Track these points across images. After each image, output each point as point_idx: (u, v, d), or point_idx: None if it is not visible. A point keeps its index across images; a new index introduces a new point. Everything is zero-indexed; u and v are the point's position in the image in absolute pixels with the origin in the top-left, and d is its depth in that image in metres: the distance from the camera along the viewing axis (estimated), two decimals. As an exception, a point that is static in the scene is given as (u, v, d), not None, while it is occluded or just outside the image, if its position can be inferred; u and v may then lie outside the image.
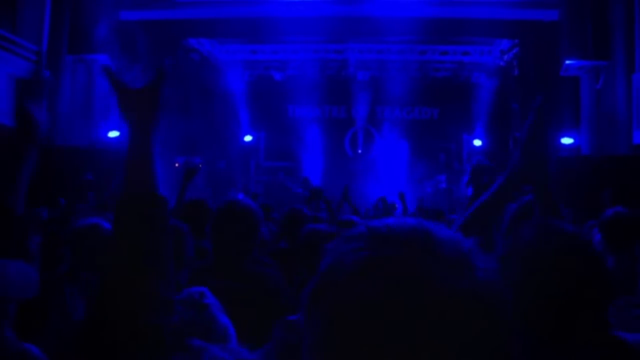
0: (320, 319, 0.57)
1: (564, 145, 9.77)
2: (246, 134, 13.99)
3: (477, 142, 13.31)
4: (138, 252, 1.01)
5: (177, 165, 11.74)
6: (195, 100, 12.77)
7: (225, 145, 13.41)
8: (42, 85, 1.04)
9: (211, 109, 13.22)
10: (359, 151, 14.59)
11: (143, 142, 1.10)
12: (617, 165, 8.17)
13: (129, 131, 1.16)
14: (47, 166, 8.33)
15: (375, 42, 12.96)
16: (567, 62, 9.05)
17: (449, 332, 0.53)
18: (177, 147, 11.82)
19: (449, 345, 0.53)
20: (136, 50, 10.04)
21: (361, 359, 0.53)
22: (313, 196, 5.08)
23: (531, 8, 10.25)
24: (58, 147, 8.92)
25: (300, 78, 13.96)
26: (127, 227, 1.03)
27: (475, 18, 10.74)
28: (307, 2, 11.19)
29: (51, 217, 6.36)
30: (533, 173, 1.43)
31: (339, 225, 3.45)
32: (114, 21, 9.91)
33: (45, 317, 1.59)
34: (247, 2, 11.24)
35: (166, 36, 11.02)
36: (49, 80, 8.93)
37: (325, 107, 14.70)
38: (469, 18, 10.80)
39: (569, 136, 9.94)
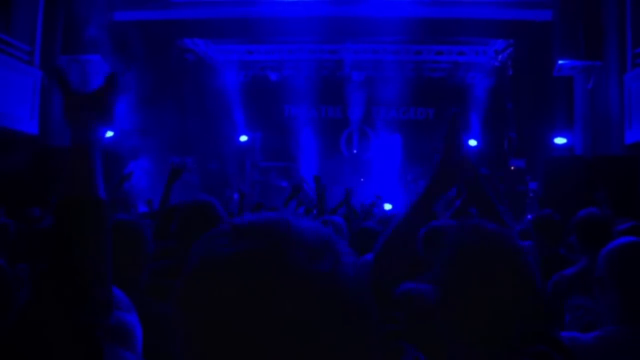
0: (190, 319, 0.58)
1: (557, 145, 9.76)
2: (242, 134, 14.00)
3: (473, 142, 13.30)
4: (74, 253, 1.03)
5: (172, 164, 11.77)
6: (191, 100, 12.79)
7: (220, 145, 13.43)
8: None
9: (207, 109, 13.24)
10: (355, 151, 14.61)
11: (83, 145, 1.11)
12: (608, 166, 8.17)
13: (71, 133, 1.17)
14: (42, 166, 8.38)
15: (370, 42, 12.96)
16: (560, 62, 9.04)
17: (311, 312, 0.56)
18: (172, 147, 11.84)
19: (312, 324, 0.56)
20: (130, 50, 10.06)
21: (229, 353, 0.55)
22: (292, 193, 5.10)
23: (525, 8, 10.25)
24: (52, 148, 8.94)
25: (296, 78, 13.99)
26: (63, 229, 1.05)
27: (470, 18, 10.74)
28: (302, 3, 11.20)
29: (43, 215, 6.39)
30: (454, 180, 1.52)
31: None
32: (107, 21, 9.93)
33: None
34: (242, 2, 11.25)
35: (161, 36, 11.03)
36: None
37: (321, 107, 14.72)
38: (463, 18, 10.81)
39: (563, 136, 9.93)
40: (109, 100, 1.20)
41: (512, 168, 11.53)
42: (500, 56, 12.37)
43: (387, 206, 11.43)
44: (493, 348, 1.11)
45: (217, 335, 0.56)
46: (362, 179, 13.57)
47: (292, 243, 0.59)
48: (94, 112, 1.16)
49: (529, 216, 8.58)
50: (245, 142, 14.14)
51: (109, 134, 10.12)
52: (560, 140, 9.74)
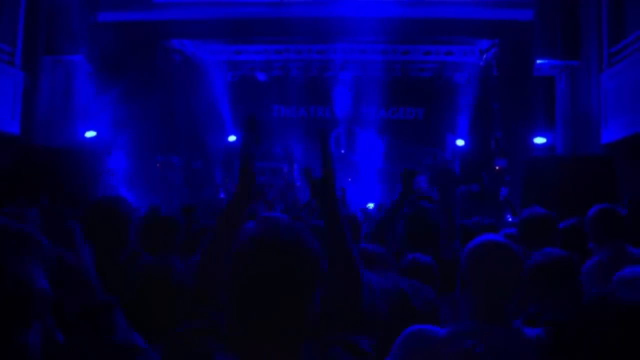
0: None
1: (537, 144, 9.76)
2: (230, 134, 14.05)
3: (460, 142, 13.32)
4: None
5: (158, 165, 11.84)
6: (179, 100, 12.85)
7: (208, 145, 13.48)
8: None
9: (195, 109, 13.30)
10: (342, 151, 14.64)
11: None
12: (586, 165, 8.17)
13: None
14: (23, 166, 8.41)
15: (358, 42, 12.98)
16: (538, 61, 9.05)
17: None
18: (159, 146, 11.90)
19: None
20: (115, 51, 10.10)
21: None
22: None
23: (508, 8, 10.25)
24: (35, 147, 8.99)
25: (285, 78, 14.04)
26: None
27: (455, 18, 10.76)
28: (289, 3, 11.23)
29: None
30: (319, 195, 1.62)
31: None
32: (91, 22, 9.98)
33: None
34: (228, 3, 11.28)
35: (146, 37, 11.08)
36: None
37: (310, 107, 14.76)
38: (448, 18, 10.81)
39: (545, 136, 9.93)
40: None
41: (497, 168, 11.54)
42: (484, 56, 12.38)
43: (370, 205, 11.47)
44: (280, 345, 1.10)
45: None
46: (349, 179, 13.59)
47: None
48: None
49: (509, 217, 8.61)
50: (233, 142, 14.18)
51: (92, 133, 10.20)
52: (539, 140, 9.74)
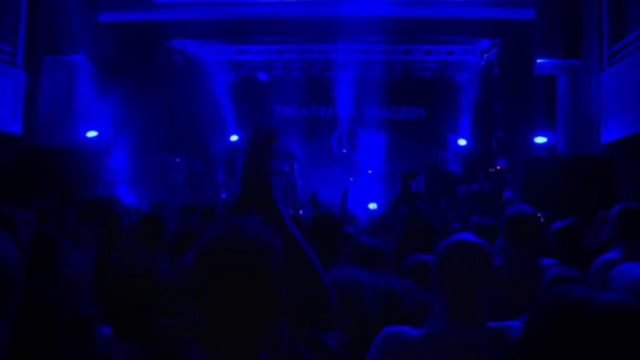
0: None
1: (538, 144, 9.74)
2: (232, 134, 14.06)
3: (462, 142, 13.30)
4: None
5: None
6: (180, 100, 12.87)
7: (210, 145, 13.50)
8: None
9: (196, 109, 13.32)
10: (344, 151, 14.64)
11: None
12: (586, 165, 8.16)
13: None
14: (25, 166, 8.45)
15: (358, 42, 12.97)
16: (539, 61, 9.04)
17: None
18: (160, 146, 11.93)
19: None
20: (116, 51, 10.13)
21: None
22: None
23: (508, 7, 10.24)
24: (36, 147, 9.03)
25: (286, 78, 14.05)
26: None
27: (455, 17, 10.75)
28: (289, 3, 11.24)
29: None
30: (256, 197, 1.47)
31: None
32: (92, 22, 10.02)
33: None
34: (228, 3, 11.30)
35: (147, 38, 11.10)
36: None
37: (312, 107, 14.76)
38: (448, 17, 10.80)
39: (546, 135, 9.92)
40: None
41: (498, 168, 11.51)
42: (485, 55, 12.36)
43: (372, 205, 11.47)
44: (239, 343, 1.10)
45: None
46: (351, 179, 13.58)
47: None
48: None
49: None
50: (236, 142, 14.19)
51: (93, 133, 10.23)
52: (540, 140, 9.72)
